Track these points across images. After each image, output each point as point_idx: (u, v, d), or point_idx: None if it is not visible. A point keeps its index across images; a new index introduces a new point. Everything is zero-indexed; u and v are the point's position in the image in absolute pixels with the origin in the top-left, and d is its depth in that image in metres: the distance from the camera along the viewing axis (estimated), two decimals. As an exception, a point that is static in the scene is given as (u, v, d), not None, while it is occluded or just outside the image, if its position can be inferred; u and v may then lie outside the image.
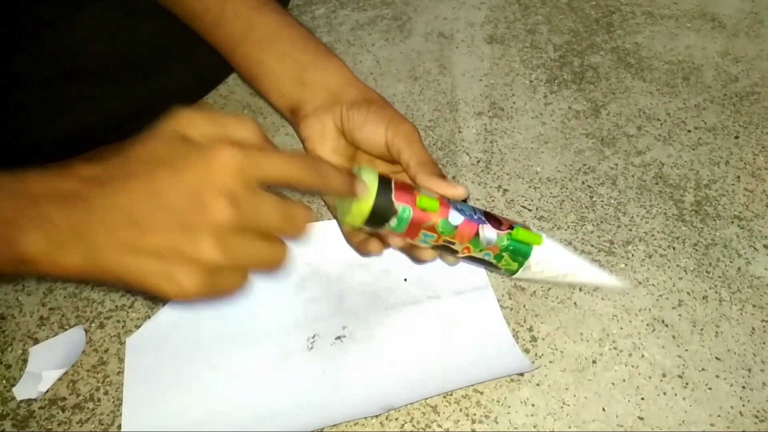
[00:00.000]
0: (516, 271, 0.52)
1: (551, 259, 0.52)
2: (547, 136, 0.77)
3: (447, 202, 0.48)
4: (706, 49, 0.88)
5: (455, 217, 0.48)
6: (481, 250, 0.49)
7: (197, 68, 0.73)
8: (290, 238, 0.40)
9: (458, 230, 0.48)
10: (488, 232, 0.49)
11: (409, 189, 0.47)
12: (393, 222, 0.46)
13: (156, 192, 0.35)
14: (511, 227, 0.50)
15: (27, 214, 0.35)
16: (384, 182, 0.46)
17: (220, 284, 0.37)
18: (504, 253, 0.50)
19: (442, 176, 0.50)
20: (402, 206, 0.46)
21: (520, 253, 0.50)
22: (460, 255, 0.50)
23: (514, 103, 0.81)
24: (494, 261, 0.50)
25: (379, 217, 0.46)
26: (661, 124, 0.78)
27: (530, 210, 0.69)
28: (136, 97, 0.69)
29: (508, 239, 0.49)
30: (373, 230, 0.48)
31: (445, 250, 0.50)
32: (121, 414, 0.54)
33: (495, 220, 0.50)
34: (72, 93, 0.66)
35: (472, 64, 0.87)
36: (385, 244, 0.51)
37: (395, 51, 0.89)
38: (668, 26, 0.92)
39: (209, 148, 0.35)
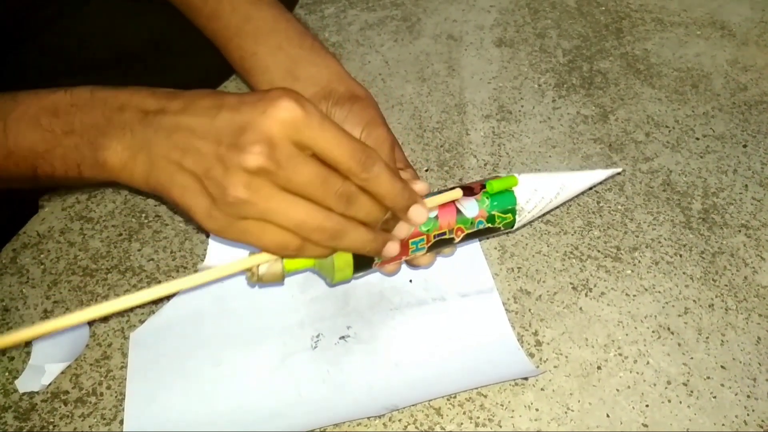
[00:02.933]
0: (514, 221, 0.50)
1: (537, 188, 0.50)
2: (555, 140, 0.77)
3: None
4: (716, 57, 0.87)
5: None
6: (472, 224, 0.48)
7: (203, 64, 0.73)
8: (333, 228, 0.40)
9: (439, 219, 0.47)
10: (467, 203, 0.48)
11: None
12: None
13: (214, 117, 0.37)
14: (483, 186, 0.49)
15: (114, 122, 0.38)
16: None
17: (242, 228, 0.38)
18: (493, 212, 0.49)
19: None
20: None
21: (507, 203, 0.49)
22: (457, 240, 0.49)
23: (522, 106, 0.81)
24: (490, 225, 0.49)
25: (364, 256, 0.45)
26: (669, 131, 0.78)
27: (537, 214, 0.69)
28: None
29: (487, 198, 0.48)
30: (367, 272, 0.48)
31: (441, 244, 0.49)
32: (123, 409, 0.54)
33: (466, 189, 0.49)
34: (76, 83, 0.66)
35: (480, 66, 0.87)
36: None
37: (404, 52, 0.89)
38: (678, 33, 0.91)
39: (273, 94, 0.36)
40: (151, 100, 0.39)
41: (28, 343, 0.59)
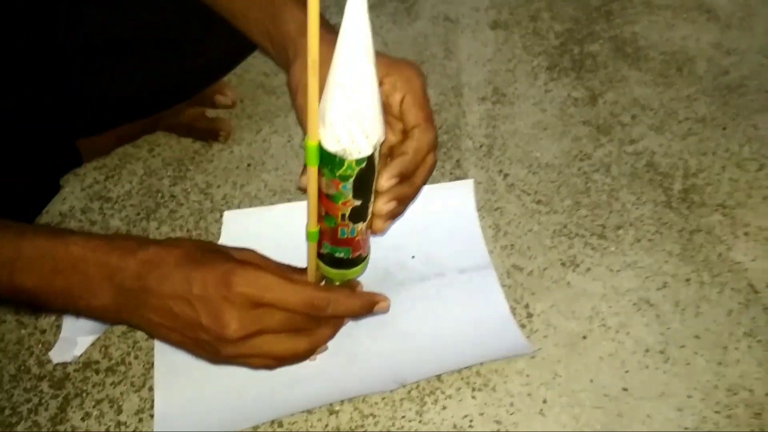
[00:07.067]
0: (347, 161, 0.42)
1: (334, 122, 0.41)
2: (546, 122, 0.81)
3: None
4: (700, 41, 0.91)
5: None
6: (342, 195, 0.44)
7: (207, 52, 0.75)
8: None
9: (328, 212, 0.46)
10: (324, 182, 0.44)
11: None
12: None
13: (190, 303, 0.44)
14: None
15: (104, 285, 0.45)
16: None
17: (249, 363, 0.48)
18: (335, 171, 0.43)
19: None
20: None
21: (327, 158, 0.42)
22: (350, 194, 0.44)
23: (516, 89, 0.85)
24: (344, 173, 0.43)
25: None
26: (654, 114, 0.82)
27: (529, 194, 0.74)
28: (155, 76, 0.71)
29: (323, 167, 0.43)
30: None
31: (356, 212, 0.46)
32: (151, 376, 0.59)
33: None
34: (99, 67, 0.68)
35: (476, 49, 0.90)
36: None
37: (403, 34, 0.92)
38: (665, 17, 0.95)
39: (229, 278, 0.44)
40: (129, 263, 0.45)
41: (58, 318, 0.64)
